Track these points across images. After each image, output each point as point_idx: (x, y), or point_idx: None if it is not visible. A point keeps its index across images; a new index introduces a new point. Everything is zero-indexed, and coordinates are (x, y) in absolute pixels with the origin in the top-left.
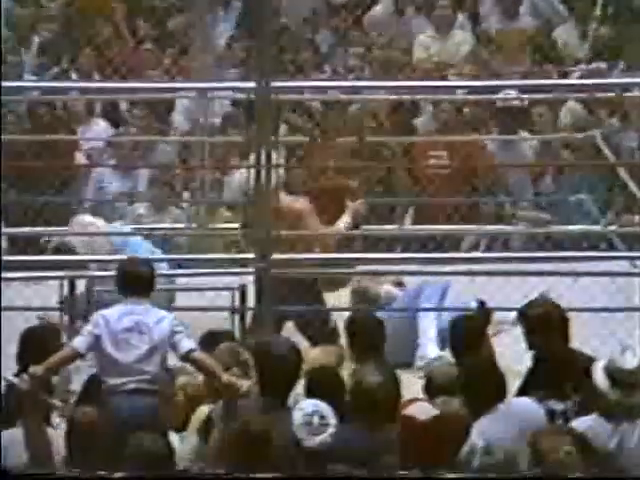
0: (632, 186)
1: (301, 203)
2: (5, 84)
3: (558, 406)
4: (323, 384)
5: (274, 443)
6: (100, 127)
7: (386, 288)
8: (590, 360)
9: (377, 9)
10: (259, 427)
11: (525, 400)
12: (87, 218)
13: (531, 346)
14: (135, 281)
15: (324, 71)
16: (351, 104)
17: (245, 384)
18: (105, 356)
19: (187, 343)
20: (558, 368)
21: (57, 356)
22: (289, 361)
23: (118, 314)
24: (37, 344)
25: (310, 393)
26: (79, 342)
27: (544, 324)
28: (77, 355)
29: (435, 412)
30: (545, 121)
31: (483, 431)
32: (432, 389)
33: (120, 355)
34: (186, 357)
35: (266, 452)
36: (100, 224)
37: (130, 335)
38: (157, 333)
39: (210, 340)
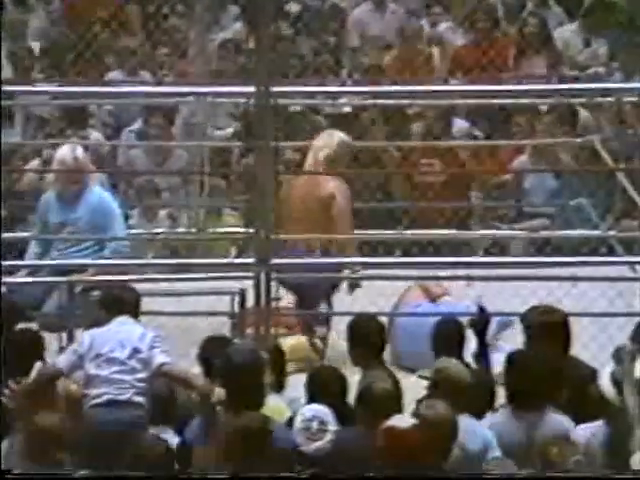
0: (631, 191)
1: (336, 184)
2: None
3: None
4: (324, 386)
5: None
6: (93, 138)
7: None
8: (588, 369)
9: (359, 9)
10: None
11: None
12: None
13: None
14: (121, 304)
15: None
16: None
17: (220, 391)
18: (87, 373)
19: (160, 358)
20: (555, 375)
21: (40, 372)
22: (241, 370)
23: (104, 333)
24: (19, 349)
25: (310, 393)
26: (62, 361)
27: (544, 331)
28: (60, 374)
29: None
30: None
31: None
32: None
33: (101, 370)
34: (158, 371)
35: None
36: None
37: (112, 352)
38: (139, 346)
39: (211, 345)
